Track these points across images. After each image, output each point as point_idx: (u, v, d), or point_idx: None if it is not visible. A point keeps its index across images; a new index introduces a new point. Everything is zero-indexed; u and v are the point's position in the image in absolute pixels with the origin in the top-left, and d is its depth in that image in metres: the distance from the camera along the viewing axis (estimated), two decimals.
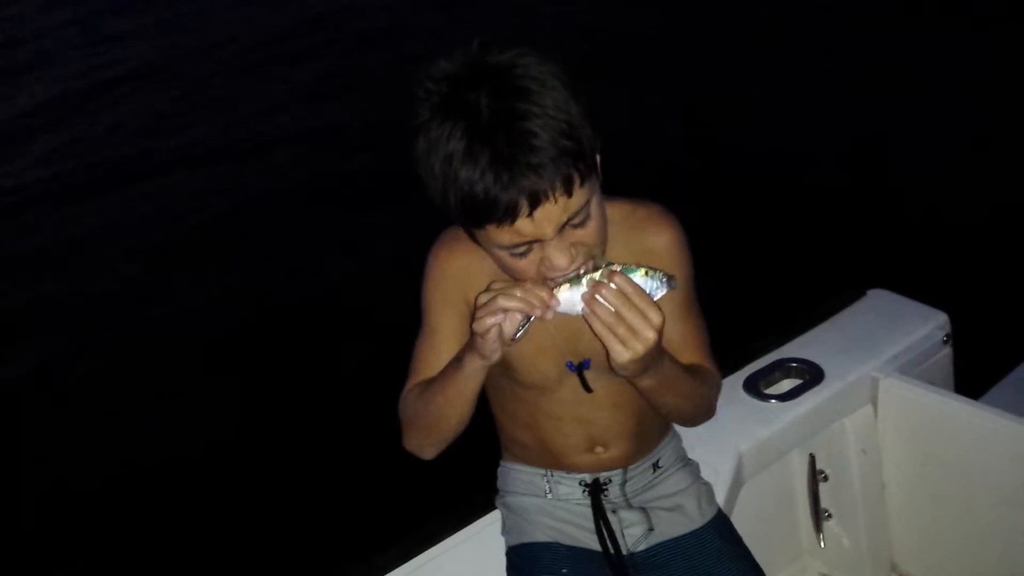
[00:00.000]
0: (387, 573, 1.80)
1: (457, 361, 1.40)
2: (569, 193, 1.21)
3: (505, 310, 1.26)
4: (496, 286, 1.29)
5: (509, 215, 1.20)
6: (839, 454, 2.14)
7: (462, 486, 1.77)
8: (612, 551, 1.57)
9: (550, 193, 1.19)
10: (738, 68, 6.46)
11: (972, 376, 2.29)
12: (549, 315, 1.27)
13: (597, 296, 1.25)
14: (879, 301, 2.28)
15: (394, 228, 5.35)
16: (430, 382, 1.49)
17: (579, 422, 1.56)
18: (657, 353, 1.29)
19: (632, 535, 1.62)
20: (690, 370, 1.48)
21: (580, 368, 1.49)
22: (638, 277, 1.27)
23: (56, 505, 3.87)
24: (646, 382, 1.36)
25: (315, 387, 4.23)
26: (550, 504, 1.65)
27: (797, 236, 4.49)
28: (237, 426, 4.09)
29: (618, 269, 1.26)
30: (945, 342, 2.19)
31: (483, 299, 1.28)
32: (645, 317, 1.24)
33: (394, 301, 4.32)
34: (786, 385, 2.12)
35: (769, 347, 2.18)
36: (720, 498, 1.76)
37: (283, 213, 6.01)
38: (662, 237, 1.49)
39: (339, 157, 6.47)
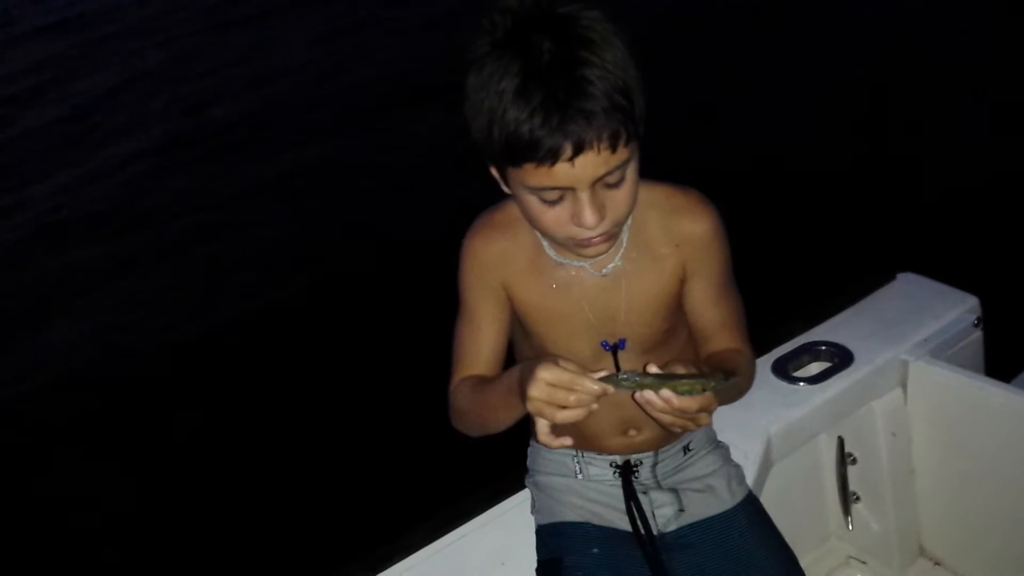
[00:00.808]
0: (417, 551, 1.82)
1: (509, 393, 1.38)
2: (613, 148, 1.22)
3: (565, 405, 1.25)
4: (545, 373, 1.24)
5: (551, 156, 1.20)
6: (868, 437, 2.13)
7: (492, 465, 1.78)
8: (643, 531, 1.58)
9: (595, 143, 1.20)
10: (764, 51, 6.41)
11: (1003, 360, 2.27)
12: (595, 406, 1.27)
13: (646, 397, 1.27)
14: (909, 285, 2.27)
15: (399, 217, 5.40)
16: (483, 390, 1.49)
17: (612, 405, 1.56)
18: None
19: (663, 516, 1.62)
20: (732, 375, 1.49)
21: (615, 348, 1.50)
22: (697, 392, 1.27)
23: (50, 504, 3.92)
24: None
25: (346, 366, 4.26)
26: (580, 484, 1.66)
27: (826, 220, 4.47)
28: (257, 409, 4.13)
29: (674, 388, 1.25)
30: (976, 325, 2.18)
31: (544, 377, 1.24)
32: (694, 418, 1.28)
33: (409, 282, 4.43)
34: (815, 368, 2.11)
35: (798, 330, 2.18)
36: (749, 480, 1.76)
37: (277, 202, 6.06)
38: (699, 225, 1.49)
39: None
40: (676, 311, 1.54)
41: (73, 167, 7.39)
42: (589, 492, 1.65)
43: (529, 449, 1.76)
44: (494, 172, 1.38)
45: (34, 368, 4.97)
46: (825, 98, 5.58)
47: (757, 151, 5.15)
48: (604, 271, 1.46)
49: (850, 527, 2.24)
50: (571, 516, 1.64)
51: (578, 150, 1.20)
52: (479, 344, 1.53)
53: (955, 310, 2.17)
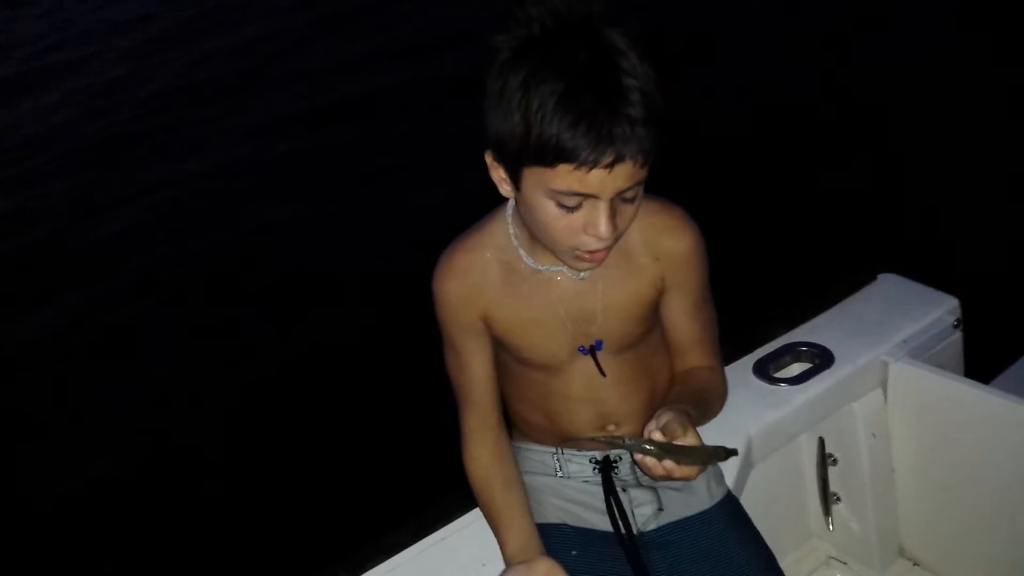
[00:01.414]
0: (398, 552, 1.81)
1: (503, 546, 1.54)
2: (643, 163, 1.24)
3: None
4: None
5: (592, 162, 1.20)
6: (848, 438, 2.14)
7: None
8: (623, 529, 1.59)
9: (635, 154, 1.21)
10: (744, 51, 6.44)
11: (983, 361, 2.28)
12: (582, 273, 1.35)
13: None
14: (889, 285, 2.28)
15: (391, 212, 5.40)
16: (493, 503, 1.60)
17: (590, 401, 1.57)
18: (689, 423, 1.35)
19: (642, 514, 1.63)
20: (701, 391, 1.54)
21: (593, 351, 1.50)
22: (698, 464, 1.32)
23: (42, 502, 3.90)
24: None
25: (325, 366, 4.25)
26: (560, 483, 1.66)
27: (807, 220, 4.48)
28: (241, 409, 4.12)
29: (676, 460, 1.29)
30: (956, 327, 2.19)
31: None
32: (686, 475, 1.32)
33: (395, 277, 4.42)
34: (796, 369, 2.12)
35: (779, 331, 2.19)
36: (729, 481, 1.77)
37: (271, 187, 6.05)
38: (680, 243, 1.51)
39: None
40: (652, 315, 1.54)
41: None
42: (568, 492, 1.66)
43: None
44: (497, 173, 1.37)
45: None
46: (806, 99, 5.61)
47: (738, 152, 5.17)
48: (582, 274, 1.46)
49: (830, 527, 2.25)
50: (550, 517, 1.65)
51: (619, 159, 1.21)
52: (473, 379, 1.57)
53: (935, 311, 2.18)
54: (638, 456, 1.29)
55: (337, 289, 4.86)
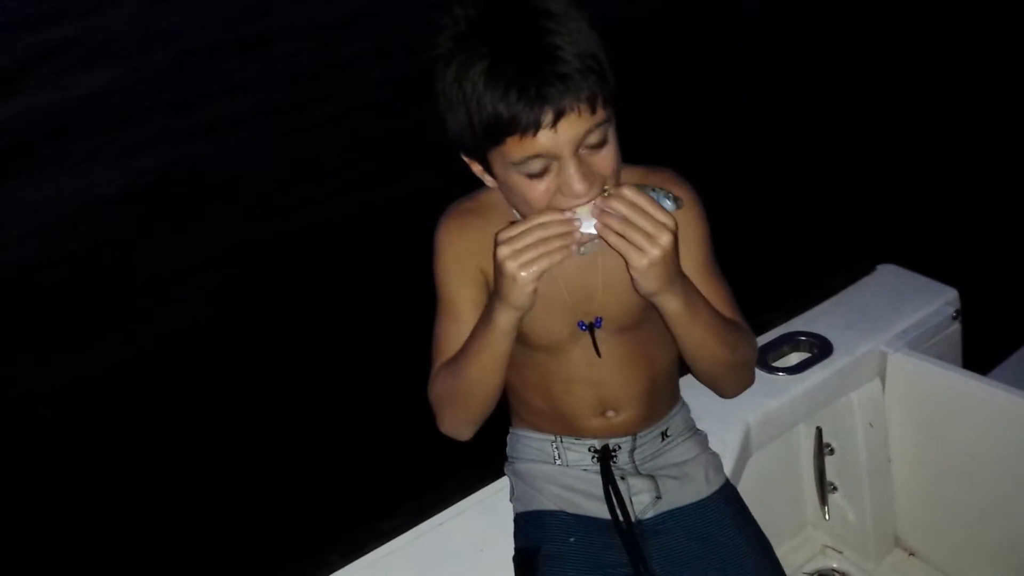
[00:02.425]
0: (395, 537, 1.82)
1: (487, 322, 1.38)
2: (592, 109, 1.22)
3: (542, 242, 1.25)
4: (505, 233, 1.27)
5: (533, 125, 1.20)
6: (846, 428, 2.15)
7: (471, 452, 1.78)
8: (621, 517, 1.59)
9: (575, 105, 1.20)
10: (742, 39, 6.43)
11: (981, 352, 2.29)
12: (574, 246, 1.27)
13: (608, 208, 1.25)
14: (888, 276, 2.28)
15: (371, 207, 5.39)
16: (458, 354, 1.48)
17: (590, 385, 1.57)
18: (677, 269, 1.30)
19: (640, 502, 1.63)
20: (717, 328, 1.46)
21: (591, 327, 1.50)
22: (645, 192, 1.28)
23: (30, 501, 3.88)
24: (672, 304, 1.34)
25: (326, 353, 4.25)
26: (559, 471, 1.66)
27: (807, 211, 4.48)
28: (239, 395, 4.11)
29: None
30: (954, 318, 2.19)
31: (505, 236, 1.26)
32: (656, 221, 1.24)
33: (388, 269, 4.42)
34: (794, 358, 2.13)
35: (778, 321, 2.19)
36: (727, 469, 1.77)
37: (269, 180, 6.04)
38: None
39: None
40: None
41: None
42: (567, 479, 1.65)
43: (508, 436, 1.76)
44: (476, 168, 1.37)
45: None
46: (806, 89, 5.60)
47: (739, 143, 5.16)
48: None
49: (827, 517, 2.25)
50: (549, 504, 1.65)
51: (559, 115, 1.20)
52: (459, 335, 1.50)
53: (934, 302, 2.18)
54: (597, 211, 1.26)
55: (333, 274, 4.86)
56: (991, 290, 3.22)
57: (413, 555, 1.79)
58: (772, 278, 3.54)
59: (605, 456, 1.63)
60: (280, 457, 3.67)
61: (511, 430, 1.75)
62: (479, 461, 1.88)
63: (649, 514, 1.63)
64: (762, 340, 2.13)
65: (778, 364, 2.09)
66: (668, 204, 1.28)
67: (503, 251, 1.26)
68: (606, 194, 1.27)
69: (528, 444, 1.69)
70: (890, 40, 5.99)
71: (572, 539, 1.60)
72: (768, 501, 1.99)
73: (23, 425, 4.30)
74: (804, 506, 2.31)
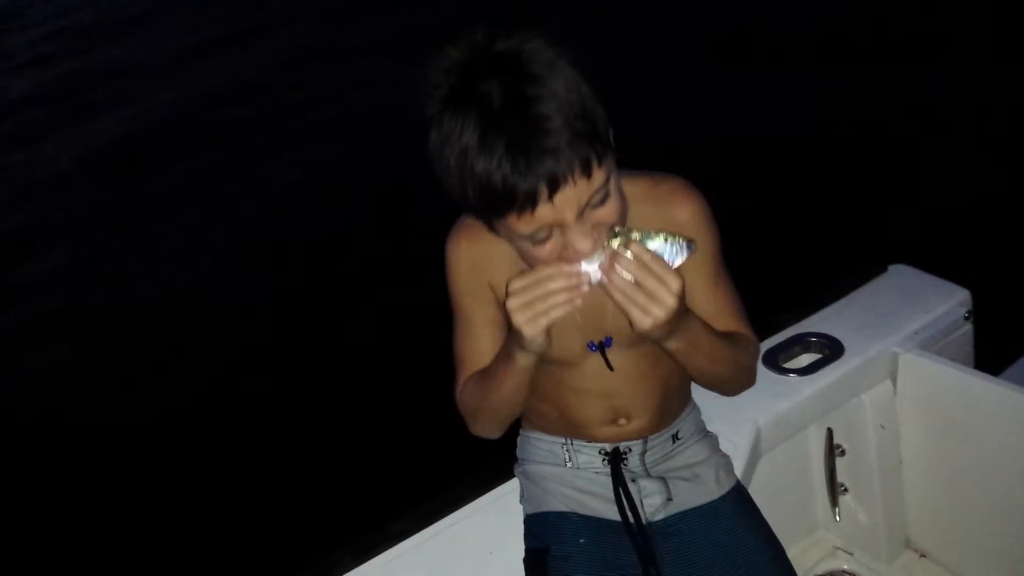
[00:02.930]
0: (405, 539, 1.82)
1: (507, 359, 1.39)
2: (588, 174, 1.20)
3: (548, 295, 1.24)
4: (515, 283, 1.26)
5: (529, 202, 1.18)
6: (857, 429, 2.14)
7: (482, 454, 1.78)
8: (631, 519, 1.58)
9: (569, 176, 1.17)
10: (756, 39, 6.41)
11: (993, 353, 2.28)
12: (579, 300, 1.26)
13: (616, 265, 1.24)
14: (900, 277, 2.27)
15: (374, 214, 5.39)
16: (484, 375, 1.50)
17: (603, 396, 1.57)
18: (681, 317, 1.29)
19: (651, 504, 1.63)
20: (723, 335, 1.48)
21: (602, 347, 1.49)
22: (656, 243, 1.25)
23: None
24: (674, 345, 1.35)
25: (333, 352, 4.26)
26: (569, 473, 1.66)
27: (819, 211, 4.47)
28: (249, 398, 4.13)
29: (636, 237, 1.24)
30: (966, 319, 2.18)
31: (514, 287, 1.26)
32: (663, 283, 1.23)
33: (397, 274, 4.42)
34: (805, 360, 2.12)
35: (789, 321, 2.18)
36: (738, 470, 1.77)
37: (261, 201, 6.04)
38: (685, 209, 1.47)
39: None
40: None
41: None
42: (577, 481, 1.65)
43: (519, 438, 1.76)
44: (480, 221, 1.35)
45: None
46: (817, 90, 5.58)
47: (749, 144, 5.15)
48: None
49: (837, 518, 2.25)
50: (559, 506, 1.65)
51: (554, 187, 1.17)
52: (479, 350, 1.54)
53: (946, 303, 2.17)
54: (605, 267, 1.24)
55: (341, 279, 4.86)
56: (1003, 291, 3.20)
57: (423, 557, 1.79)
58: (783, 279, 3.54)
59: (615, 459, 1.63)
60: (291, 459, 3.68)
61: (521, 432, 1.75)
62: (489, 463, 1.88)
63: (660, 516, 1.62)
64: (773, 341, 2.13)
65: (789, 365, 2.09)
66: (681, 254, 1.25)
67: (512, 303, 1.26)
68: (615, 241, 1.24)
69: (538, 446, 1.69)
70: (898, 38, 5.97)
71: (582, 540, 1.60)
72: (779, 502, 1.98)
73: (22, 426, 4.32)
74: (815, 507, 2.30)
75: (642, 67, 6.09)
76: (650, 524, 1.61)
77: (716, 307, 1.51)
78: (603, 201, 1.25)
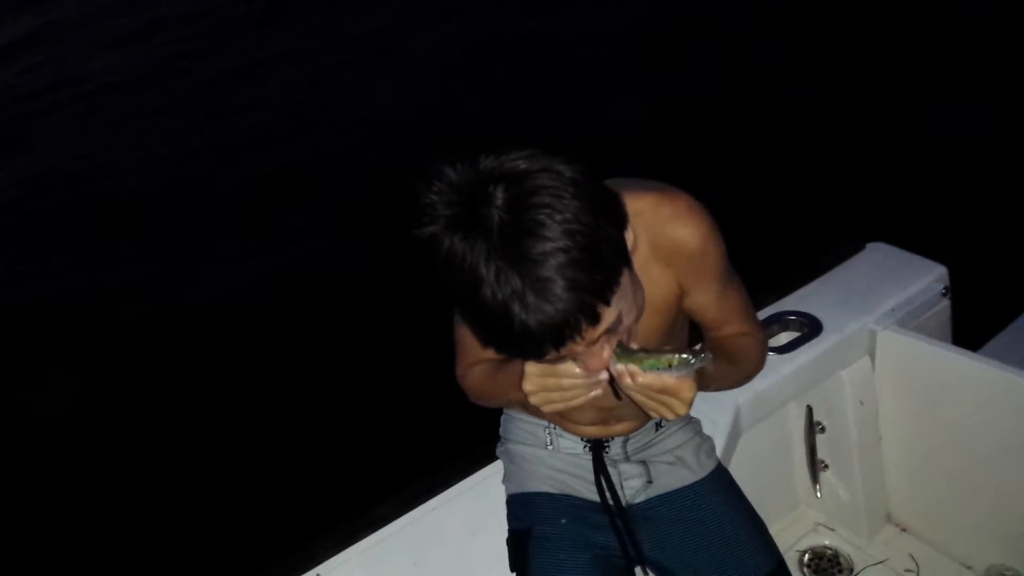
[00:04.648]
0: (389, 523, 1.82)
1: (512, 385, 1.36)
2: (596, 322, 1.12)
3: (565, 389, 1.26)
4: (532, 368, 1.25)
5: (540, 357, 1.15)
6: (836, 406, 2.15)
7: (464, 437, 1.78)
8: (611, 503, 1.59)
9: (575, 334, 1.11)
10: (737, 24, 6.41)
11: (970, 329, 2.29)
12: (598, 391, 1.28)
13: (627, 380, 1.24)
14: (878, 254, 2.28)
15: (377, 200, 5.35)
16: (490, 378, 1.50)
17: (599, 409, 1.55)
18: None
19: (631, 487, 1.63)
20: (732, 355, 1.48)
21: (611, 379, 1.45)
22: (664, 368, 1.22)
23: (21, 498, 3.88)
24: None
25: (314, 339, 4.25)
26: (551, 455, 1.66)
27: (796, 190, 4.48)
28: (233, 386, 4.11)
29: (643, 361, 1.21)
30: (944, 295, 2.19)
31: (532, 373, 1.25)
32: (676, 396, 1.24)
33: (384, 260, 4.39)
34: (784, 338, 2.13)
35: (767, 300, 2.19)
36: (719, 449, 1.77)
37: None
38: (691, 235, 1.40)
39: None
40: (670, 321, 1.49)
41: None
42: (558, 462, 1.66)
43: (503, 417, 1.76)
44: None
45: None
46: (795, 69, 5.59)
47: (728, 121, 5.15)
48: None
49: (818, 495, 2.26)
50: (540, 486, 1.65)
51: (559, 345, 1.12)
52: (478, 347, 1.48)
53: (923, 279, 2.18)
54: (613, 369, 1.23)
55: (328, 268, 4.84)
56: (980, 267, 3.22)
57: (407, 540, 1.79)
58: (761, 258, 3.51)
59: (597, 446, 1.63)
60: (273, 446, 3.67)
61: (505, 412, 1.74)
62: (469, 447, 1.88)
63: (640, 499, 1.63)
64: None
65: (768, 344, 2.09)
66: (693, 367, 1.23)
67: (529, 386, 1.26)
68: (622, 363, 1.21)
69: (521, 427, 1.69)
70: (883, 15, 5.98)
71: (564, 520, 1.60)
72: (760, 480, 1.99)
73: (23, 425, 4.30)
74: (796, 485, 2.32)
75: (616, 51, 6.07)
76: (630, 507, 1.62)
77: (724, 317, 1.50)
78: (615, 328, 1.18)
